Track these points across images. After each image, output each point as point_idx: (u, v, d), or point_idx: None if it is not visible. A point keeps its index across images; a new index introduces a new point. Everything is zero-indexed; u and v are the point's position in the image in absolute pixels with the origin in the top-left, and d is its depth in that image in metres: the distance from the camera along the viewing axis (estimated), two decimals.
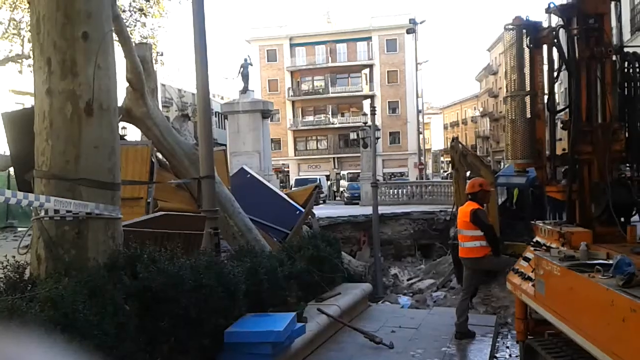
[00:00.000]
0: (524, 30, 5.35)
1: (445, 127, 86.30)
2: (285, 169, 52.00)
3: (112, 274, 3.98)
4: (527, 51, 5.36)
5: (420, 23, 38.12)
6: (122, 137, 13.17)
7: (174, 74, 56.02)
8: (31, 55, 5.47)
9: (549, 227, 5.12)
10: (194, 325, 4.26)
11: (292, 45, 54.98)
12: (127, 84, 10.95)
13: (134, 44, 9.66)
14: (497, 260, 6.77)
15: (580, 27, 5.30)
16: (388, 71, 53.07)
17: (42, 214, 4.17)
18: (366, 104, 51.39)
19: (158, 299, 4.01)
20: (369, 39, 53.32)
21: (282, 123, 53.96)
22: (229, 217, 9.15)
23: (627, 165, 5.29)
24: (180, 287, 4.08)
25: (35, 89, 4.36)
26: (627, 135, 5.24)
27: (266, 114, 26.06)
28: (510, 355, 6.10)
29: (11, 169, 10.63)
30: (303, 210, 13.15)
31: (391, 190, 29.72)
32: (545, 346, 4.61)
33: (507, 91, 5.64)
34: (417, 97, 43.82)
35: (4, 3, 19.37)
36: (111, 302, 3.70)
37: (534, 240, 5.40)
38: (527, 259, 5.22)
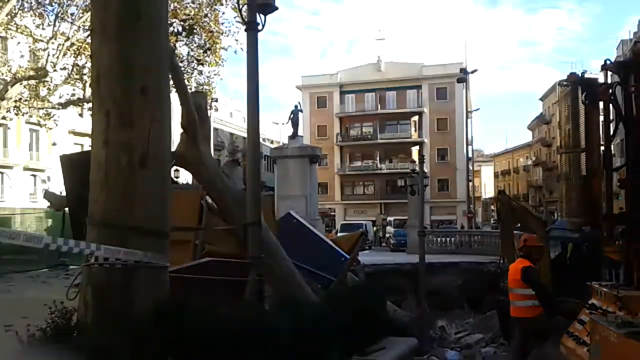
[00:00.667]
0: (579, 87, 5.28)
1: (496, 175, 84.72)
2: (332, 213, 52.01)
3: (158, 323, 4.02)
4: (582, 107, 5.26)
5: (472, 72, 38.10)
6: (174, 182, 13.57)
7: (227, 119, 57.85)
8: (91, 99, 5.76)
9: (605, 289, 4.88)
10: None
11: (342, 93, 55.89)
12: (182, 131, 11.31)
13: (190, 93, 10.07)
14: (551, 322, 6.45)
15: (638, 84, 5.18)
16: (437, 119, 52.99)
17: (92, 260, 4.29)
18: (414, 150, 51.34)
19: (203, 349, 4.00)
20: (419, 87, 53.63)
21: (329, 168, 54.32)
22: (274, 263, 9.16)
23: None
24: (226, 339, 4.07)
25: (92, 140, 4.56)
26: None
27: (314, 159, 26.36)
28: None
29: (66, 209, 11.06)
30: (348, 257, 13.04)
31: (439, 239, 29.15)
32: None
33: (561, 147, 5.52)
34: (467, 144, 43.33)
35: (69, 50, 20.62)
36: (155, 352, 3.72)
37: (590, 302, 5.14)
38: (582, 322, 4.97)
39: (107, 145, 4.46)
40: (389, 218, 48.79)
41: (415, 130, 53.91)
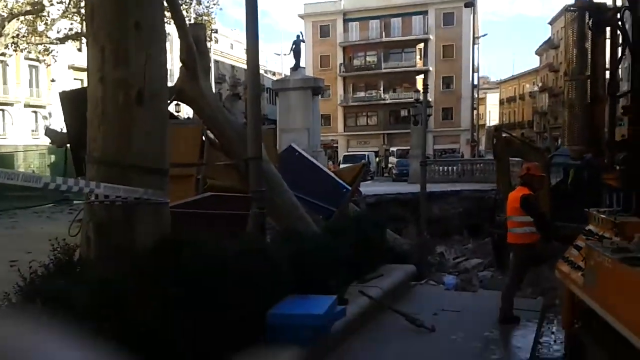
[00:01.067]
0: (587, 12, 5.08)
1: (502, 103, 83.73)
2: (334, 145, 52.03)
3: (159, 259, 4.10)
4: (589, 34, 5.09)
5: None
6: (173, 117, 13.50)
7: (228, 51, 56.63)
8: (86, 35, 5.63)
9: (603, 215, 4.91)
10: (239, 308, 4.35)
11: (345, 21, 54.38)
12: (181, 64, 11.13)
13: (188, 25, 9.80)
14: (547, 249, 6.60)
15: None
16: (444, 45, 51.75)
17: (93, 197, 4.33)
18: (419, 79, 50.52)
19: (203, 285, 4.11)
20: (425, 12, 52.02)
21: (332, 99, 53.79)
22: (276, 196, 9.26)
23: None
24: (225, 274, 4.16)
25: (88, 77, 4.49)
26: None
27: (317, 90, 26.05)
28: (555, 341, 5.94)
29: (68, 146, 11.09)
30: (350, 188, 13.16)
31: (441, 168, 29.29)
32: (590, 337, 4.48)
33: (566, 74, 5.40)
34: (473, 72, 42.57)
35: None
36: (157, 287, 3.82)
37: (587, 228, 5.20)
38: (578, 248, 5.04)
39: (102, 83, 4.39)
40: (391, 148, 48.84)
41: (421, 59, 52.81)
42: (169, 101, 11.88)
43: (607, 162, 5.18)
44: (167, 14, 7.91)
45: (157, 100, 4.58)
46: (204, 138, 10.83)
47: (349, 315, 5.54)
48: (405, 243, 15.12)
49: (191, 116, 15.19)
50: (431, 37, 51.85)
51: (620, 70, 5.70)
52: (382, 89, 53.96)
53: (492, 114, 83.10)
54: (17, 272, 3.67)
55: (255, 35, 7.22)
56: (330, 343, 5.24)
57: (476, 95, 45.64)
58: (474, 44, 40.22)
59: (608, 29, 5.10)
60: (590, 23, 5.03)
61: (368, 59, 54.61)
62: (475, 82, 45.61)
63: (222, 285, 4.18)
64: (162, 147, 4.60)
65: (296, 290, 5.23)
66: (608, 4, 5.23)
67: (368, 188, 22.22)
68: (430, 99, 50.42)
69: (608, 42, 5.18)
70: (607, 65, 5.24)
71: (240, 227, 7.11)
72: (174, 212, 6.20)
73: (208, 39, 29.87)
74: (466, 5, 35.43)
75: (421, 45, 52.51)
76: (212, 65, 42.92)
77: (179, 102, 17.26)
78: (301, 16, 55.00)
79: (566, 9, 5.25)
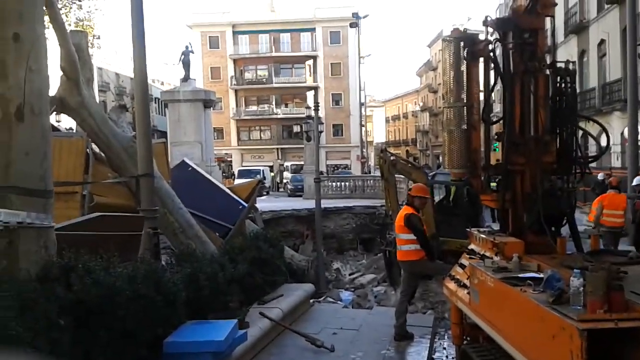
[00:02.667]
0: (462, 43, 5.49)
1: (387, 121, 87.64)
2: (228, 159, 51.38)
3: (45, 287, 3.83)
4: (464, 63, 5.51)
5: (364, 17, 38.50)
6: (55, 129, 12.61)
7: (112, 57, 53.92)
8: None
9: (483, 235, 5.30)
10: (132, 336, 4.17)
11: (235, 33, 54.11)
12: (62, 73, 10.42)
13: (68, 31, 9.24)
14: (432, 265, 7.00)
15: (516, 41, 5.49)
16: (331, 63, 53.20)
17: None
18: (310, 95, 51.50)
19: (93, 311, 3.89)
20: (312, 29, 53.21)
21: (225, 112, 53.16)
22: (169, 213, 8.96)
23: (558, 176, 5.54)
24: (116, 299, 3.97)
25: None
26: (558, 147, 5.49)
27: (208, 103, 25.64)
28: (447, 357, 6.31)
29: None
30: (246, 205, 13.08)
31: (334, 184, 29.96)
32: (478, 352, 4.80)
33: (444, 99, 5.80)
34: (360, 89, 44.22)
35: None
36: (44, 317, 3.56)
37: (469, 247, 5.58)
38: (462, 266, 5.39)
39: None
40: (286, 163, 49.18)
41: (310, 75, 53.87)
42: (50, 111, 11.10)
43: (483, 184, 5.61)
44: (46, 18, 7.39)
45: (39, 117, 4.30)
46: (88, 151, 10.23)
47: (250, 337, 5.49)
48: (302, 259, 15.27)
49: (74, 128, 14.27)
50: (319, 54, 53.21)
51: (492, 99, 6.19)
52: (274, 103, 54.30)
53: (380, 131, 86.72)
54: None
55: (142, 47, 6.98)
56: None
57: (364, 113, 47.31)
58: (359, 63, 41.81)
59: (481, 59, 5.56)
60: (465, 53, 5.45)
61: (259, 72, 54.73)
62: (363, 100, 47.32)
63: (113, 313, 3.98)
64: (44, 167, 4.31)
65: (194, 315, 5.10)
66: (481, 36, 5.70)
67: (264, 204, 22.18)
68: (321, 115, 51.59)
69: (482, 71, 5.65)
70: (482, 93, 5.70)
71: (132, 249, 6.79)
72: (60, 235, 5.80)
73: (90, 45, 28.31)
74: (351, 26, 36.78)
75: (310, 61, 53.64)
76: (95, 72, 40.67)
77: (60, 113, 16.19)
78: (190, 26, 53.98)
79: (443, 39, 5.64)
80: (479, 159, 5.65)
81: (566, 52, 29.22)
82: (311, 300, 9.32)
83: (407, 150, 75.05)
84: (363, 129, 46.12)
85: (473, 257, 5.18)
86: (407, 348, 6.31)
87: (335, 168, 48.95)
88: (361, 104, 47.64)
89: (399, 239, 6.80)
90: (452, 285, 5.35)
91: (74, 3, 23.07)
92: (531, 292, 3.69)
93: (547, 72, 5.56)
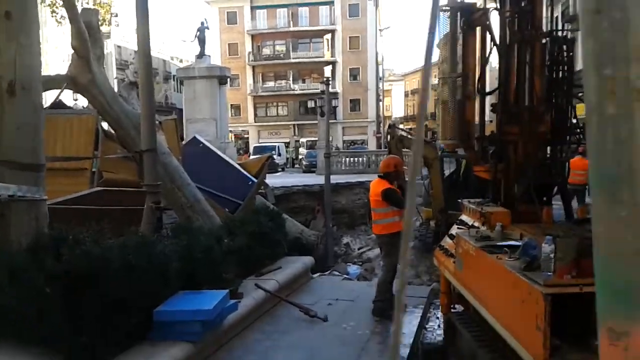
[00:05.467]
0: (458, 13, 5.42)
1: (406, 95, 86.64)
2: (245, 136, 51.57)
3: (35, 257, 3.97)
4: (460, 33, 5.43)
5: None
6: (65, 106, 12.80)
7: (131, 35, 54.13)
8: None
9: (472, 206, 5.31)
10: (122, 306, 4.30)
11: (252, 8, 53.74)
12: (73, 51, 10.57)
13: (79, 10, 9.34)
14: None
15: (513, 9, 5.40)
16: (350, 37, 52.61)
17: None
18: (327, 70, 51.16)
19: (82, 281, 4.02)
20: (331, 3, 52.52)
21: (242, 88, 53.14)
22: (177, 189, 9.10)
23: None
24: (105, 269, 4.09)
25: None
26: (553, 117, 5.42)
27: (223, 80, 25.68)
28: (439, 326, 6.36)
29: None
30: (255, 180, 13.20)
31: (348, 159, 29.94)
32: (462, 320, 4.86)
33: (439, 71, 5.75)
34: (377, 64, 43.74)
35: None
36: (33, 286, 3.70)
37: (460, 218, 5.60)
38: (452, 237, 5.42)
39: None
40: (302, 139, 49.15)
41: (328, 49, 53.39)
42: (60, 89, 11.30)
43: (477, 155, 5.58)
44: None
45: (30, 92, 4.40)
46: (98, 128, 10.40)
47: (244, 308, 5.62)
48: (312, 234, 15.40)
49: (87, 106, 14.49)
50: (338, 28, 52.63)
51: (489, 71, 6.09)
52: (291, 79, 54.07)
53: (399, 106, 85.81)
54: None
55: (145, 18, 7.06)
56: (222, 337, 5.29)
57: (381, 87, 46.82)
58: (376, 36, 41.26)
59: (478, 28, 5.48)
60: (461, 23, 5.38)
61: (277, 48, 54.44)
62: (380, 75, 46.81)
63: (103, 283, 4.11)
64: (35, 141, 4.43)
65: (187, 286, 5.22)
66: (480, 5, 5.61)
67: (277, 180, 22.28)
68: (338, 90, 51.42)
69: (478, 41, 5.57)
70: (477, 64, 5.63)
71: (135, 223, 6.94)
72: (60, 208, 5.96)
73: (107, 23, 28.46)
74: None
75: (328, 35, 53.12)
76: (113, 51, 40.92)
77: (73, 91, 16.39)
78: (207, 2, 53.77)
79: (440, 9, 5.56)
80: (473, 131, 5.62)
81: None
82: (317, 274, 9.43)
83: (426, 125, 74.16)
84: (380, 104, 45.59)
85: (461, 227, 5.19)
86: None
87: (352, 143, 48.76)
88: (379, 79, 47.15)
89: (376, 213, 6.51)
90: (440, 255, 5.39)
91: None
92: (506, 259, 3.71)
93: (544, 40, 5.47)
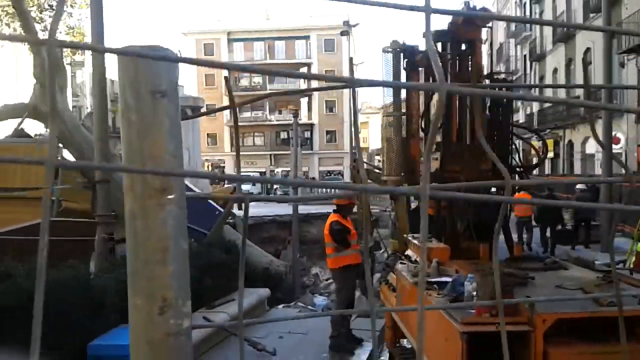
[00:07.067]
0: (401, 54, 5.61)
1: (384, 127, 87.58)
2: (222, 165, 51.47)
3: None
4: (403, 73, 5.62)
5: (354, 26, 38.62)
6: (27, 135, 12.71)
7: (107, 62, 54.18)
8: None
9: (415, 241, 5.39)
10: (56, 341, 4.24)
11: (230, 41, 54.40)
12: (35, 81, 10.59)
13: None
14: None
15: (453, 52, 5.61)
16: (325, 70, 53.38)
17: None
18: (304, 102, 51.70)
19: (11, 317, 3.97)
20: (307, 37, 53.50)
21: (218, 118, 53.29)
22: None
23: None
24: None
25: None
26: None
27: (196, 110, 25.76)
28: None
29: None
30: (222, 210, 13.16)
31: (323, 190, 30.06)
32: (403, 355, 4.89)
33: (383, 110, 5.91)
34: (352, 96, 44.40)
35: None
36: None
37: (405, 253, 5.66)
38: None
39: None
40: (276, 169, 49.29)
41: (305, 82, 54.02)
42: (21, 118, 11.24)
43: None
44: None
45: None
46: (59, 158, 10.33)
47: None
48: (280, 265, 15.34)
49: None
50: (314, 61, 53.42)
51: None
52: (268, 110, 54.50)
53: (376, 138, 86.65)
54: None
55: (100, 40, 7.18)
56: None
57: (356, 119, 47.37)
58: (351, 70, 41.96)
59: (421, 69, 5.67)
60: (405, 64, 5.56)
61: (254, 79, 54.99)
62: (358, 107, 47.49)
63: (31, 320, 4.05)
64: None
65: (126, 320, 5.16)
66: (421, 47, 5.81)
67: (249, 209, 22.07)
68: (314, 122, 51.90)
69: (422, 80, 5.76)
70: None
71: (87, 254, 6.87)
72: (5, 239, 5.89)
73: (82, 52, 28.44)
74: (342, 34, 36.92)
75: (304, 68, 53.90)
76: (87, 80, 40.79)
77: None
78: (185, 34, 54.27)
79: (383, 50, 5.76)
80: (418, 168, 5.74)
81: (554, 60, 29.40)
82: (281, 305, 9.36)
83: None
84: (354, 136, 46.09)
85: (403, 262, 5.26)
86: (348, 351, 6.34)
87: (328, 174, 49.03)
88: (355, 111, 47.64)
89: (327, 247, 6.57)
90: (385, 290, 5.44)
91: (64, 11, 23.25)
92: (435, 295, 3.77)
93: (485, 82, 5.68)
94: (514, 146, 5.83)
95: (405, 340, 5.44)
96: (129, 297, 0.80)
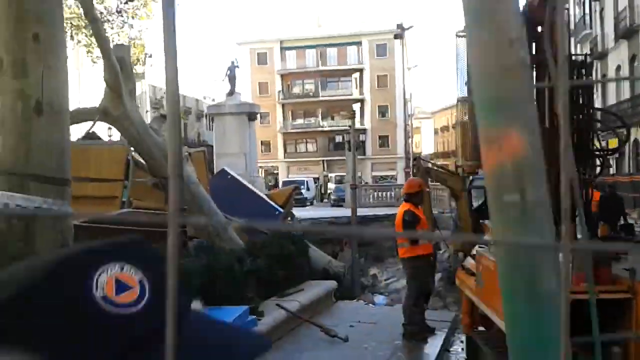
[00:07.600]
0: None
1: (436, 132, 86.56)
2: (275, 171, 52.11)
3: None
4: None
5: (408, 29, 38.38)
6: (97, 138, 13.26)
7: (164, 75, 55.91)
8: None
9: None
10: None
11: (282, 49, 55.14)
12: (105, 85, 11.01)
13: (112, 46, 9.78)
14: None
15: (529, 34, 5.45)
16: (378, 75, 53.30)
17: None
18: (356, 107, 51.72)
19: None
20: (358, 43, 53.57)
21: (272, 125, 54.04)
22: (205, 216, 9.28)
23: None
24: None
25: None
26: (573, 139, 5.38)
27: (253, 116, 26.18)
28: (462, 349, 6.24)
29: None
30: (282, 210, 13.34)
31: (377, 193, 29.93)
32: (484, 339, 4.76)
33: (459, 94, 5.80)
34: (406, 101, 44.14)
35: None
36: None
37: (483, 238, 5.55)
38: (473, 257, 5.37)
39: (2, 94, 4.39)
40: (330, 174, 49.44)
41: (357, 87, 54.13)
42: (93, 121, 11.75)
43: None
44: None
45: (57, 112, 4.59)
46: (129, 159, 10.72)
47: (263, 327, 5.61)
48: (339, 266, 15.38)
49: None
50: (366, 66, 53.40)
51: None
52: (320, 116, 54.82)
53: (428, 143, 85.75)
54: None
55: (173, 49, 7.36)
56: None
57: (409, 124, 47.10)
58: (403, 74, 41.74)
59: None
60: None
61: (306, 86, 55.47)
62: (409, 111, 47.14)
63: None
64: (62, 158, 4.59)
65: (207, 303, 5.27)
66: None
67: (305, 212, 22.34)
68: (367, 127, 51.81)
69: None
70: None
71: (159, 244, 7.04)
72: (84, 227, 6.14)
73: (142, 63, 29.52)
74: (395, 37, 36.80)
75: (356, 74, 53.91)
76: (147, 90, 42.26)
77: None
78: (239, 43, 55.46)
79: (457, 34, 5.66)
80: None
81: (617, 58, 28.23)
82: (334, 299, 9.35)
83: (455, 162, 73.72)
84: (410, 140, 45.76)
85: (483, 246, 5.14)
86: (421, 339, 6.25)
87: (381, 178, 48.77)
88: (409, 115, 47.37)
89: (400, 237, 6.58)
90: (462, 275, 5.33)
91: (126, 23, 24.24)
92: None
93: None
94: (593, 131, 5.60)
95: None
96: None
